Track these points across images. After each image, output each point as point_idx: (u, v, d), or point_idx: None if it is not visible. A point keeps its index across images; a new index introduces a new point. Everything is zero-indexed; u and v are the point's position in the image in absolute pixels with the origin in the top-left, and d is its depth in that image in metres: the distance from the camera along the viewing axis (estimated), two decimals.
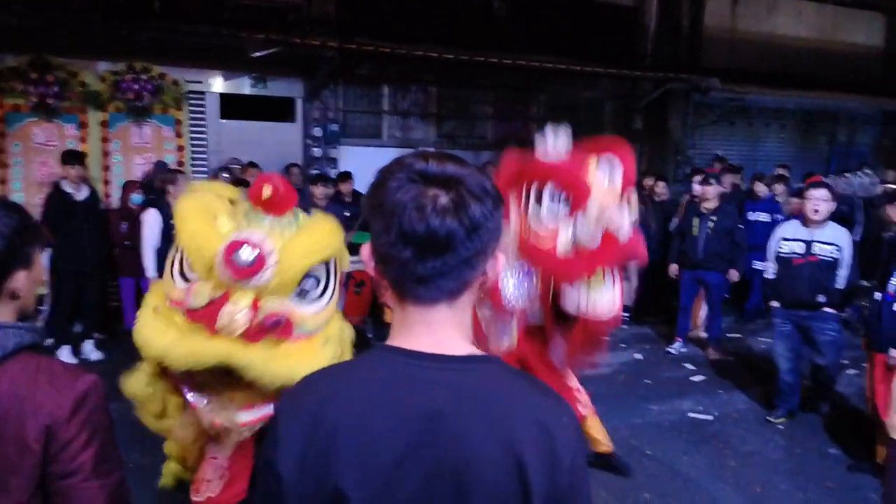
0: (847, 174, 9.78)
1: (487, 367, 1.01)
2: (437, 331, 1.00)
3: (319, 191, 6.55)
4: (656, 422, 5.05)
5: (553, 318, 3.39)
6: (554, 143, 3.29)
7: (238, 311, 2.34)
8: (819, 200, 4.71)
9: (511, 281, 3.17)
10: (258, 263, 2.34)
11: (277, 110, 8.28)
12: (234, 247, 2.34)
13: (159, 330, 2.49)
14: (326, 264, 2.61)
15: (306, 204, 6.76)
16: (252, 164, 7.13)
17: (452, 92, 9.08)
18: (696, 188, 6.73)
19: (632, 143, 11.10)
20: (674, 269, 6.76)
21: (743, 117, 11.30)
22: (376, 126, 8.82)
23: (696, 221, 6.48)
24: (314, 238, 2.54)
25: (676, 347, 6.78)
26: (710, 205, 6.44)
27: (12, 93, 6.90)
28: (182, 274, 2.55)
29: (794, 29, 11.28)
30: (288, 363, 2.36)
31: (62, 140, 7.13)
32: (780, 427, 5.02)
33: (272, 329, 2.41)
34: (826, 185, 4.91)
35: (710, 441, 4.75)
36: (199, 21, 7.10)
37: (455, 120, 9.25)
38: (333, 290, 2.63)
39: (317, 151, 8.28)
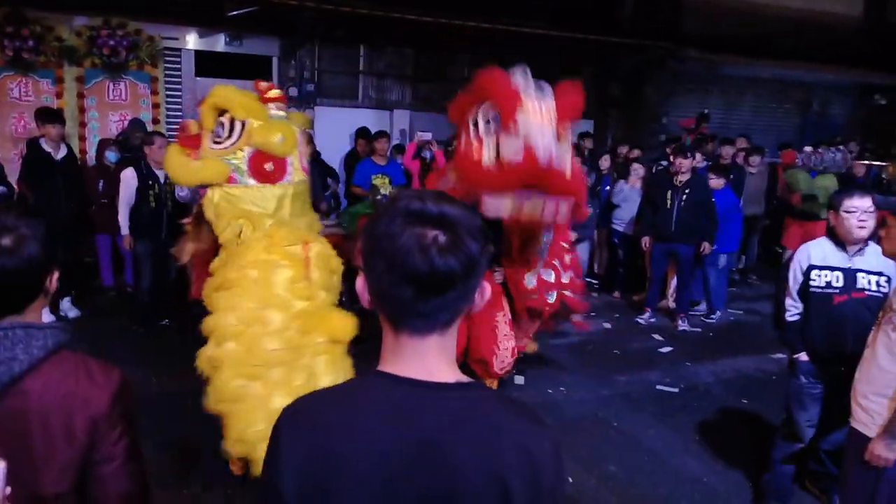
0: (821, 149, 9.91)
1: (475, 394, 1.08)
2: (427, 359, 1.06)
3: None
4: (624, 393, 5.12)
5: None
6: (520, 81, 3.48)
7: None
8: (866, 213, 3.27)
9: None
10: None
11: (253, 69, 8.28)
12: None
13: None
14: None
15: None
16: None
17: (429, 55, 9.14)
18: (680, 163, 6.52)
19: (608, 110, 11.17)
20: (645, 241, 6.80)
21: (718, 85, 11.42)
22: (352, 87, 8.89)
23: (669, 194, 6.49)
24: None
25: (646, 318, 6.91)
26: (684, 177, 6.48)
27: None
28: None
29: None
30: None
31: (38, 95, 7.18)
32: (745, 402, 5.04)
33: None
34: (870, 193, 3.41)
35: (676, 414, 4.82)
36: None
37: (431, 82, 9.32)
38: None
39: (292, 111, 8.32)
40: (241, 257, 3.15)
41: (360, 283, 1.08)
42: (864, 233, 3.32)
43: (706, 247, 6.62)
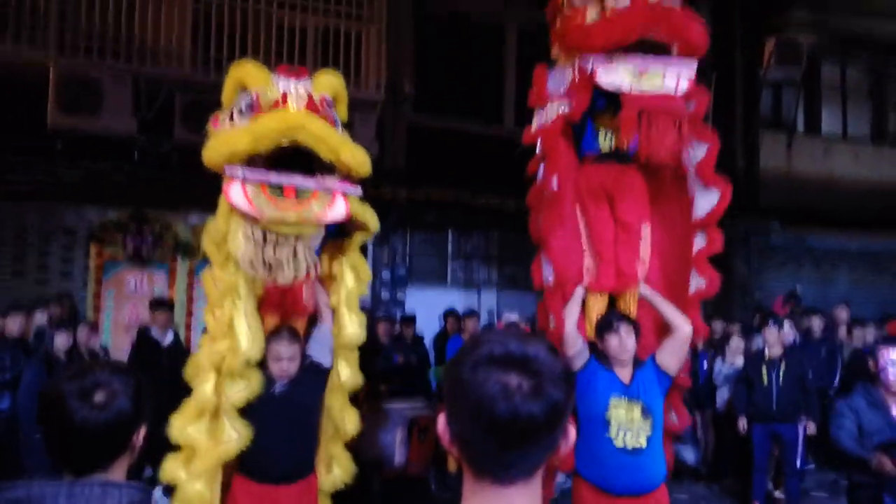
0: None
1: None
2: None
3: (382, 328, 6.96)
4: None
5: None
6: None
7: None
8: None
9: None
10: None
11: None
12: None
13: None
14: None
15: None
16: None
17: (513, 237, 9.41)
18: (769, 335, 6.21)
19: None
20: (743, 423, 6.24)
21: (809, 259, 11.18)
22: (441, 269, 9.19)
23: (764, 370, 6.08)
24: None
25: None
26: (776, 351, 6.10)
27: (111, 243, 7.56)
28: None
29: (852, 170, 11.24)
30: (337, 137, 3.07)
31: (151, 287, 7.67)
32: None
33: (325, 106, 3.13)
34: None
35: None
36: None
37: (516, 263, 9.51)
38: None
39: (385, 294, 8.62)
40: None
41: (441, 423, 1.07)
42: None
43: (811, 426, 6.04)
